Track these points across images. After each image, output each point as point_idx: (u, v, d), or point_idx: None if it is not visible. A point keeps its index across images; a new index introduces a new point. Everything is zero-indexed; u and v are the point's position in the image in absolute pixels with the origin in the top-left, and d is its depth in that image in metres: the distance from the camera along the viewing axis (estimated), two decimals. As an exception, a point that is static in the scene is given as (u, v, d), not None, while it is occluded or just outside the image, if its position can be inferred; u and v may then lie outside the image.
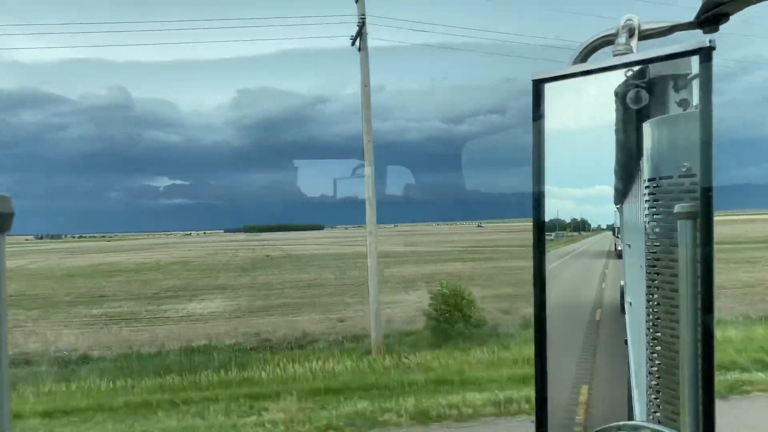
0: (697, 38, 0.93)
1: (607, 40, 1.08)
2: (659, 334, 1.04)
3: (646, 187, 1.05)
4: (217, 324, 21.25)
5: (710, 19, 0.98)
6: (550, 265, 1.14)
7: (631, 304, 1.16)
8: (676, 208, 0.95)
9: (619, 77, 1.05)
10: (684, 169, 0.97)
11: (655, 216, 1.04)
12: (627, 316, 1.17)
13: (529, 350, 13.61)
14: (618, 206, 1.17)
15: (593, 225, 1.20)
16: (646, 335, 1.07)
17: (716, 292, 0.93)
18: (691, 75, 0.97)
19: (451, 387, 11.02)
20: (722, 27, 0.99)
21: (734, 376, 10.03)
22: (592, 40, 1.11)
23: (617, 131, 1.11)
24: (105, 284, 32.80)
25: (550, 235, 1.14)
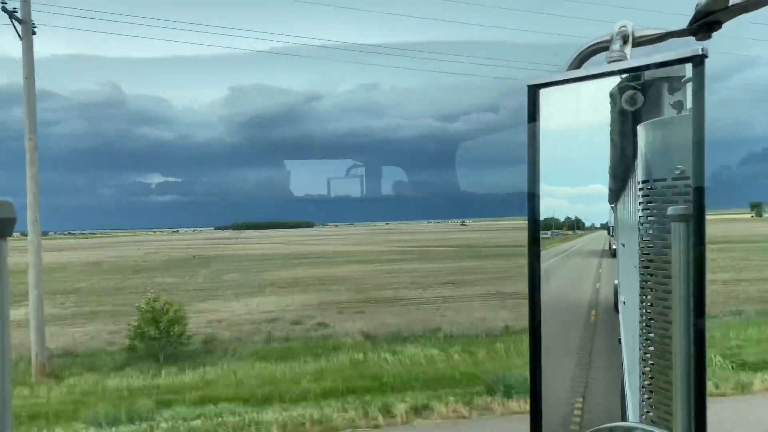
0: (689, 45, 0.95)
1: (602, 47, 1.09)
2: (652, 335, 1.05)
3: (640, 189, 1.06)
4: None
5: (703, 26, 0.99)
6: (544, 264, 1.15)
7: (624, 303, 1.17)
8: (670, 211, 0.96)
9: (613, 82, 1.06)
10: (677, 172, 0.98)
11: (648, 217, 1.05)
12: (620, 316, 1.18)
13: (216, 372, 13.52)
14: (612, 205, 1.18)
15: (587, 224, 1.21)
16: (640, 335, 1.08)
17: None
18: (685, 78, 0.98)
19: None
20: (714, 34, 1.01)
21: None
22: (586, 46, 1.12)
23: (612, 132, 1.12)
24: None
25: (546, 233, 1.15)
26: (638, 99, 1.05)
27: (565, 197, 1.16)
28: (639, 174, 1.06)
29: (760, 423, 8.49)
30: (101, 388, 12.85)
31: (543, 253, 1.14)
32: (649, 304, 1.05)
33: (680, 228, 0.94)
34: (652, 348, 1.05)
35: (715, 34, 1.00)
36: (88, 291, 29.98)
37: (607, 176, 1.15)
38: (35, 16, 15.20)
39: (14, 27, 14.95)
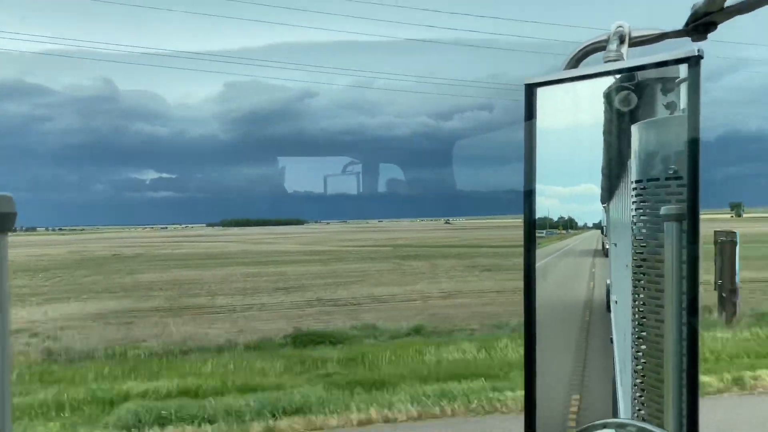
0: (685, 46, 0.95)
1: (599, 46, 1.10)
2: (645, 333, 1.06)
3: (634, 188, 1.07)
4: None
5: (699, 27, 1.00)
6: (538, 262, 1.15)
7: (616, 302, 1.17)
8: (663, 210, 0.97)
9: (610, 81, 1.07)
10: (671, 172, 0.99)
11: (641, 217, 1.06)
12: (612, 315, 1.18)
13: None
14: (605, 205, 1.18)
15: (579, 223, 1.22)
16: (632, 334, 1.08)
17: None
18: (679, 79, 0.99)
19: None
20: (710, 35, 1.01)
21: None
22: (583, 45, 1.13)
23: (605, 132, 1.12)
24: None
25: (541, 232, 1.16)
26: (632, 99, 1.06)
27: (557, 196, 1.17)
28: (632, 174, 1.07)
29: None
30: None
31: (537, 252, 1.14)
32: (641, 303, 1.06)
33: (673, 227, 0.95)
34: (644, 347, 1.06)
35: (708, 35, 1.01)
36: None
37: (599, 175, 1.15)
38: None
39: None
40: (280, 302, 24.26)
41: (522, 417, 1.17)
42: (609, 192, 1.16)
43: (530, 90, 1.12)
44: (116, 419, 8.08)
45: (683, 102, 0.98)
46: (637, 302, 1.07)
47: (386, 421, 8.06)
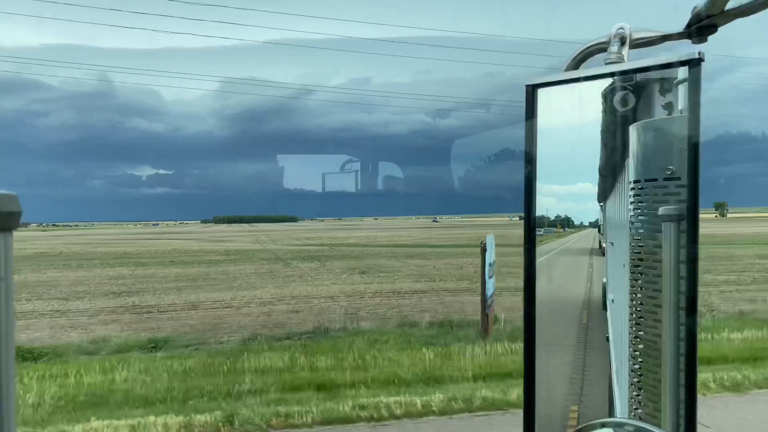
0: (686, 47, 0.96)
1: (599, 48, 1.10)
2: (642, 333, 1.06)
3: (632, 188, 1.07)
4: None
5: (699, 29, 1.01)
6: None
7: (613, 301, 1.18)
8: (661, 210, 0.98)
9: (608, 83, 1.07)
10: (669, 172, 0.99)
11: (639, 217, 1.06)
12: (609, 314, 1.19)
13: None
14: (601, 204, 1.19)
15: (576, 222, 1.22)
16: (629, 333, 1.09)
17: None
18: (677, 80, 1.00)
19: None
20: (710, 38, 1.02)
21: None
22: (584, 47, 1.13)
23: (603, 132, 1.13)
24: None
25: (540, 230, 1.16)
26: (630, 100, 1.06)
27: (554, 195, 1.17)
28: (630, 174, 1.07)
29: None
30: None
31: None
32: (638, 302, 1.07)
33: (671, 228, 0.96)
34: (641, 346, 1.06)
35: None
36: None
37: (596, 175, 1.16)
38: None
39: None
40: (73, 309, 22.24)
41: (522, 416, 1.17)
42: (606, 192, 1.16)
43: (531, 91, 1.12)
44: None
45: (681, 103, 0.99)
46: (634, 302, 1.08)
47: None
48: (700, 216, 0.95)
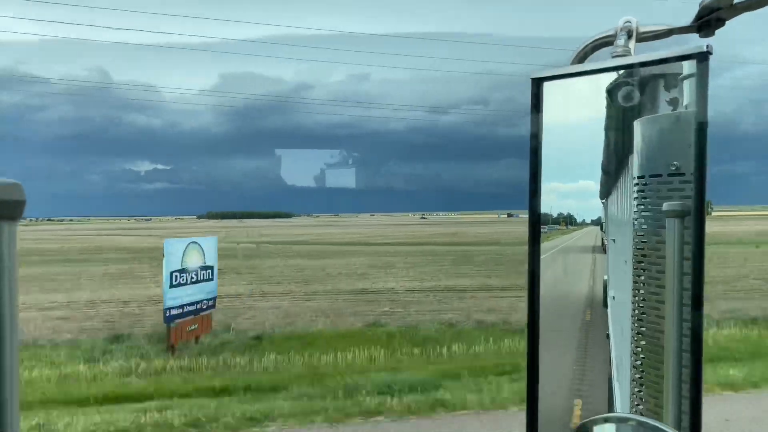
0: (693, 41, 0.95)
1: (606, 41, 1.09)
2: (644, 329, 1.06)
3: (635, 184, 1.06)
4: None
5: (707, 23, 1.00)
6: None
7: (614, 298, 1.17)
8: (665, 206, 0.97)
9: (605, 77, 1.06)
10: (673, 168, 0.98)
11: (643, 213, 1.05)
12: (609, 310, 1.18)
13: None
14: (603, 201, 1.18)
15: (578, 219, 1.21)
16: (631, 329, 1.08)
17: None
18: (682, 75, 0.99)
19: None
20: (718, 31, 1.01)
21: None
22: (590, 40, 1.12)
23: (607, 128, 1.12)
24: None
25: (544, 228, 1.15)
26: (634, 96, 1.05)
27: (556, 192, 1.16)
28: (634, 170, 1.07)
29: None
30: None
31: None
32: (641, 298, 1.06)
33: (675, 224, 0.95)
34: (644, 342, 1.06)
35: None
36: None
37: (599, 172, 1.15)
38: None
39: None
40: None
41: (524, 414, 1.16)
42: (608, 188, 1.16)
43: (537, 84, 1.11)
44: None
45: (686, 98, 0.98)
46: (637, 298, 1.07)
47: None
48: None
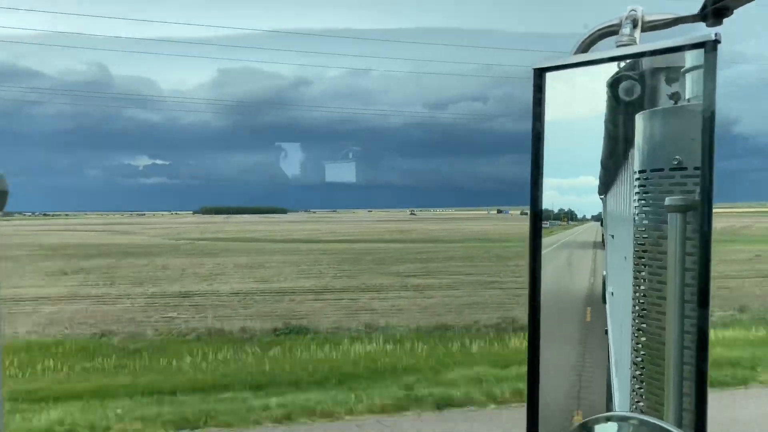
0: (699, 31, 0.93)
1: (610, 31, 1.07)
2: (645, 325, 1.04)
3: (637, 179, 1.05)
4: None
5: (714, 12, 0.98)
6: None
7: (612, 294, 1.16)
8: (667, 201, 0.96)
9: (606, 70, 1.05)
10: (675, 162, 0.97)
11: (644, 208, 1.04)
12: (608, 307, 1.17)
13: None
14: (602, 197, 1.17)
15: (579, 215, 1.20)
16: (631, 326, 1.07)
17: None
18: (684, 68, 0.97)
19: None
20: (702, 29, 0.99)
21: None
22: (594, 30, 1.10)
23: (607, 122, 1.10)
24: None
25: (546, 223, 1.14)
26: (635, 89, 1.04)
27: (555, 189, 1.15)
28: (636, 164, 1.05)
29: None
30: None
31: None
32: (642, 294, 1.05)
33: (677, 218, 0.94)
34: (644, 338, 1.05)
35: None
36: None
37: (598, 167, 1.14)
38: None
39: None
40: None
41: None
42: (607, 183, 1.14)
43: (539, 75, 1.09)
44: None
45: (689, 91, 0.97)
46: (637, 294, 1.06)
47: None
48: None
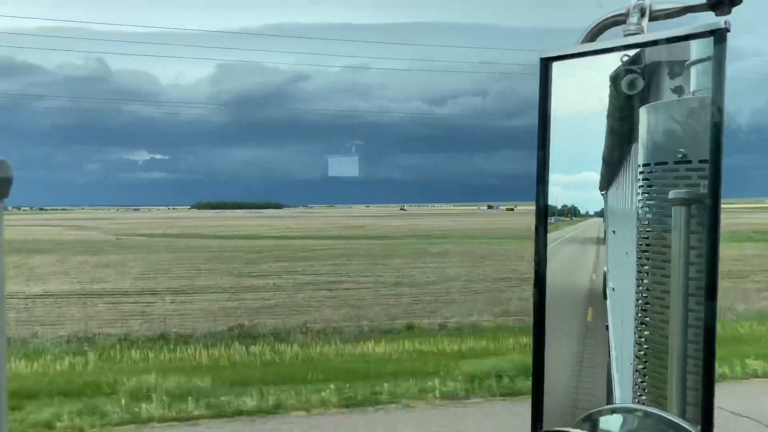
0: (708, 20, 0.92)
1: (618, 20, 1.06)
2: (648, 319, 1.04)
3: (641, 172, 1.04)
4: None
5: (723, 1, 0.97)
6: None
7: (613, 289, 1.15)
8: (671, 194, 0.96)
9: (609, 63, 1.04)
10: (680, 155, 0.96)
11: (647, 202, 1.03)
12: (609, 302, 1.16)
13: None
14: (603, 192, 1.16)
15: (582, 211, 1.20)
16: (634, 320, 1.07)
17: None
18: (689, 61, 0.96)
19: None
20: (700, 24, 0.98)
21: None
22: (602, 19, 1.09)
23: (610, 116, 1.10)
24: None
25: (551, 219, 1.13)
26: (639, 83, 1.03)
27: (558, 184, 1.14)
28: (639, 158, 1.04)
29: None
30: None
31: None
32: (645, 288, 1.04)
33: (681, 212, 0.94)
34: (647, 333, 1.04)
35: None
36: None
37: (600, 162, 1.13)
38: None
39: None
40: None
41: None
42: (609, 178, 1.14)
43: (545, 64, 1.08)
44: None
45: (693, 84, 0.96)
46: (640, 288, 1.05)
47: None
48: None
